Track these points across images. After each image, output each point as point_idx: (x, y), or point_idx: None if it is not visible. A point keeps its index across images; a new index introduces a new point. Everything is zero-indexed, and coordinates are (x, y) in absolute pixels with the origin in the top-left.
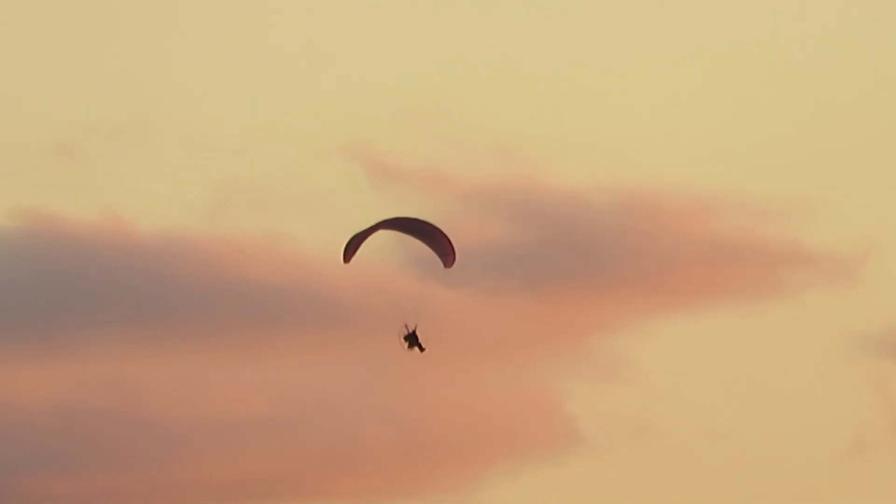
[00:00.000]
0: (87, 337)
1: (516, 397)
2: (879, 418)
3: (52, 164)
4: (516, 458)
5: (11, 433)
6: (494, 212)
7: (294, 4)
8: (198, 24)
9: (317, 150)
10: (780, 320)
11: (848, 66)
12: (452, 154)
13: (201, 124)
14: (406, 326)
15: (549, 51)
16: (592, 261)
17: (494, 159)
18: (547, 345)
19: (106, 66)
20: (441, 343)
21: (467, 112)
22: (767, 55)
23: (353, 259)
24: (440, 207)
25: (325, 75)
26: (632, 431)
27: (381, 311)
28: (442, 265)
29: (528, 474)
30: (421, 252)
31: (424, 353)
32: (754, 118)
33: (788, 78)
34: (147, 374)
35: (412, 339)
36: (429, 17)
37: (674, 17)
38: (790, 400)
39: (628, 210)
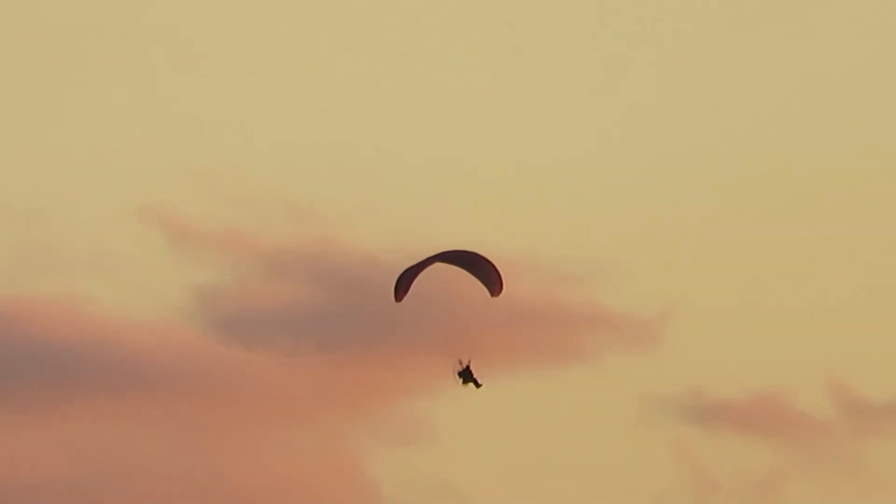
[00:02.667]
0: None
1: (318, 460)
2: (680, 482)
3: None
4: None
5: None
6: (291, 273)
7: (96, 69)
8: None
9: (113, 213)
10: (581, 383)
11: (642, 129)
12: (249, 216)
13: None
14: (460, 362)
15: (340, 112)
16: (391, 323)
17: (290, 221)
18: (348, 407)
19: None
20: (241, 405)
21: (263, 174)
22: (565, 120)
23: (405, 298)
24: (237, 269)
25: (121, 137)
26: (433, 494)
27: (181, 374)
28: (489, 294)
29: None
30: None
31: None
32: (549, 180)
33: (581, 141)
34: None
35: (466, 375)
36: (221, 80)
37: (460, 75)
38: (591, 464)
39: (424, 272)
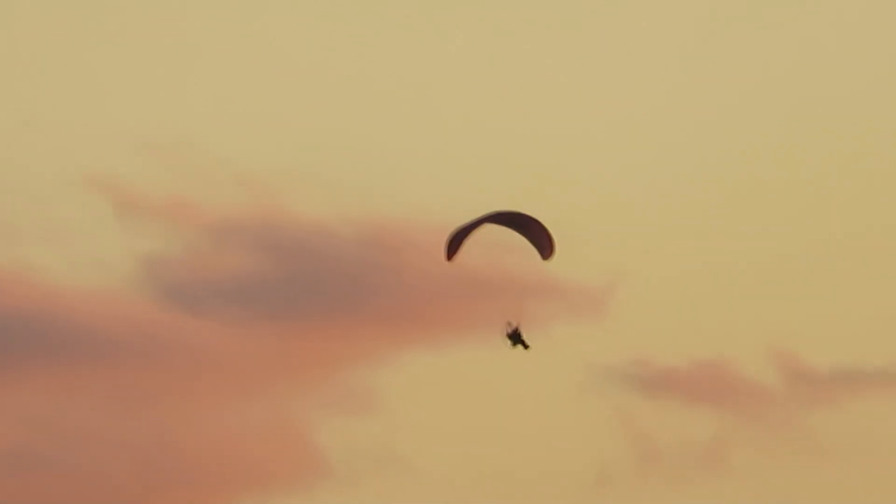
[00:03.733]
0: None
1: (265, 429)
2: (624, 451)
3: None
4: (266, 490)
5: None
6: (239, 242)
7: (43, 39)
8: None
9: (62, 182)
10: (528, 352)
11: (589, 99)
12: (197, 186)
13: None
14: (509, 324)
15: (287, 81)
16: (338, 293)
17: (239, 191)
18: (294, 377)
19: None
20: (188, 374)
21: (211, 143)
22: (512, 89)
23: (456, 257)
24: (185, 238)
25: (69, 107)
26: (379, 462)
27: (129, 342)
28: (540, 257)
29: None
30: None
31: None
32: (497, 149)
33: (528, 111)
34: None
35: (515, 338)
36: (169, 49)
37: (404, 44)
38: (536, 432)
39: (374, 242)
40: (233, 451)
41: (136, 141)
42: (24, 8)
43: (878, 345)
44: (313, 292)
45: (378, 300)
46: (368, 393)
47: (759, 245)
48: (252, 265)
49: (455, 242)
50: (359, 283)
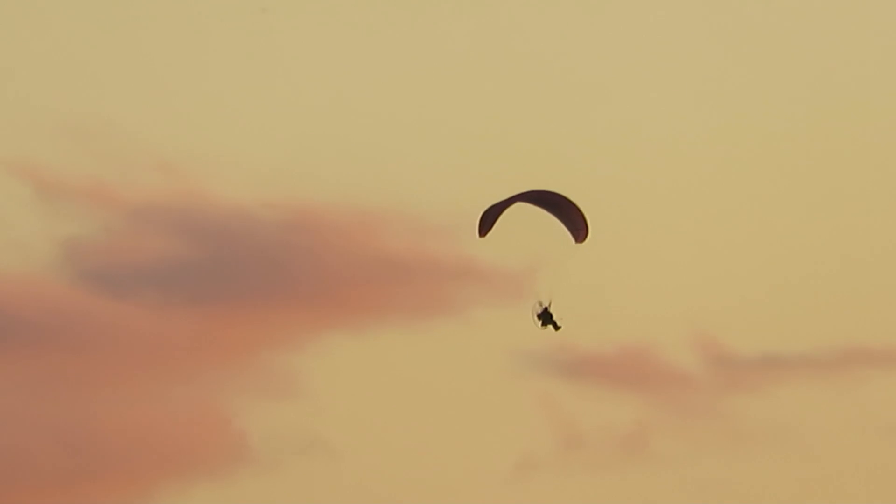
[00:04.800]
0: None
1: (186, 413)
2: (547, 437)
3: None
4: (186, 475)
5: None
6: (158, 226)
7: None
8: None
9: None
10: (448, 337)
11: (497, 82)
12: (118, 169)
13: None
14: (539, 303)
15: (206, 61)
16: (258, 277)
17: (158, 174)
18: (215, 360)
19: None
20: (109, 358)
21: (130, 126)
22: (423, 68)
23: (489, 234)
24: (105, 221)
25: None
26: (301, 447)
27: (49, 326)
28: (572, 240)
29: (197, 491)
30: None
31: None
32: (417, 130)
33: (435, 92)
34: None
35: (546, 318)
36: (88, 30)
37: (309, 25)
38: (459, 417)
39: (293, 225)
40: (154, 435)
41: (55, 124)
42: None
43: (801, 330)
44: (234, 276)
45: (299, 284)
46: (290, 377)
47: (682, 229)
48: (173, 249)
49: (488, 220)
50: (280, 267)
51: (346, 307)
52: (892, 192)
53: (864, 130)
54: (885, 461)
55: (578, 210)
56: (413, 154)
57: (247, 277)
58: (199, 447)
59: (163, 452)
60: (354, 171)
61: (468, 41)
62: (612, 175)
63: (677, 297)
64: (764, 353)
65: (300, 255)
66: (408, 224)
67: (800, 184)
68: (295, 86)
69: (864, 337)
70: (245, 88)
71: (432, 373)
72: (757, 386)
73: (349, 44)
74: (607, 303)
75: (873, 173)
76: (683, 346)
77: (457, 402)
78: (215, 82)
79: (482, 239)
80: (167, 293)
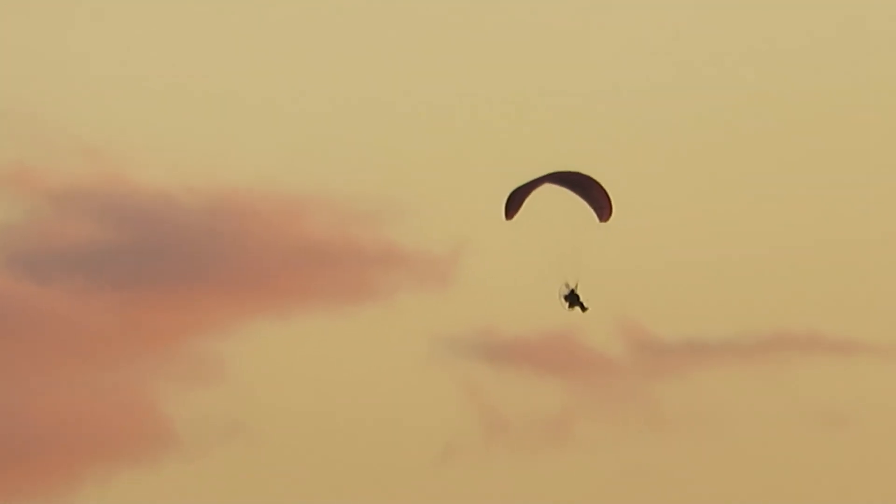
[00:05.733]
0: None
1: (110, 399)
2: (470, 422)
3: None
4: (110, 461)
5: None
6: (81, 211)
7: None
8: None
9: None
10: (372, 322)
11: (431, 67)
12: (38, 154)
13: None
14: (566, 285)
15: (128, 44)
16: (182, 262)
17: (81, 159)
18: (139, 346)
19: None
20: (32, 342)
21: (52, 111)
22: (360, 56)
23: (516, 216)
24: (26, 207)
25: None
26: (226, 433)
27: None
28: (597, 219)
29: (122, 477)
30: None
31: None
32: (343, 117)
33: (374, 77)
34: None
35: (573, 299)
36: (10, 16)
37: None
38: (382, 403)
39: (217, 210)
40: (79, 421)
41: None
42: None
43: (725, 316)
44: (158, 261)
45: (223, 269)
46: (214, 363)
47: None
48: (96, 233)
49: (515, 202)
50: (204, 252)
51: (270, 293)
52: (814, 179)
53: (785, 116)
54: (806, 446)
55: (603, 189)
56: (336, 139)
57: (171, 263)
58: (124, 432)
59: (88, 438)
60: (278, 157)
61: (389, 17)
62: (539, 161)
63: (601, 282)
64: (688, 339)
65: (224, 241)
66: (332, 210)
67: (721, 171)
68: (217, 70)
69: (787, 322)
70: (166, 72)
71: (356, 358)
72: (680, 371)
73: (263, 31)
74: (531, 288)
75: (793, 160)
76: (607, 331)
77: (381, 387)
78: (136, 67)
79: (509, 221)
80: (91, 278)
